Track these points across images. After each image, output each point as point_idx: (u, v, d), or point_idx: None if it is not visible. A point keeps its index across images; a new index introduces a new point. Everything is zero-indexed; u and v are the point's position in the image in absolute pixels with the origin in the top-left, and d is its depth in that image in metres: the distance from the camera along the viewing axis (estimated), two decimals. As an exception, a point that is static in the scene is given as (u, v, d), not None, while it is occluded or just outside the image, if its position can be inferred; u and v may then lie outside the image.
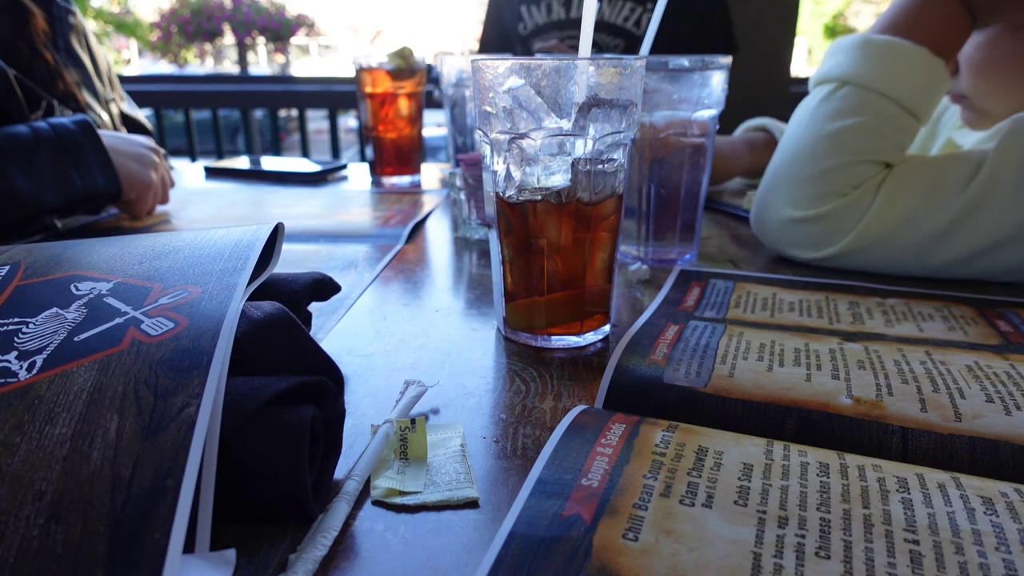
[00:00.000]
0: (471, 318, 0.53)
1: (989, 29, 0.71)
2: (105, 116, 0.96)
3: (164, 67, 12.44)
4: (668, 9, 0.56)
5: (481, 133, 0.46)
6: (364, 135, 1.06)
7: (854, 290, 0.57)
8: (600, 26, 1.33)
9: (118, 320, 0.30)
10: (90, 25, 1.00)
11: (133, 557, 0.21)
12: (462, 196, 0.75)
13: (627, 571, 0.25)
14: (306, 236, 0.76)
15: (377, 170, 1.05)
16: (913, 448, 0.34)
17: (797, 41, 2.17)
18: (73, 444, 0.24)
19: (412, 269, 0.66)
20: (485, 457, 0.34)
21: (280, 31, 11.75)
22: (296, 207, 0.91)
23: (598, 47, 1.35)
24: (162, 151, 0.89)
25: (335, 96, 2.45)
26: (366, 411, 0.39)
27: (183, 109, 2.61)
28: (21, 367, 0.27)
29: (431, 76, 1.10)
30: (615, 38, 1.34)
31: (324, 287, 0.44)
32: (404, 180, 1.05)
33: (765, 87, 1.99)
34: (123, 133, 0.94)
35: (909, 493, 0.29)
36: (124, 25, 12.28)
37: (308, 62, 17.91)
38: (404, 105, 1.01)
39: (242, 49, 12.13)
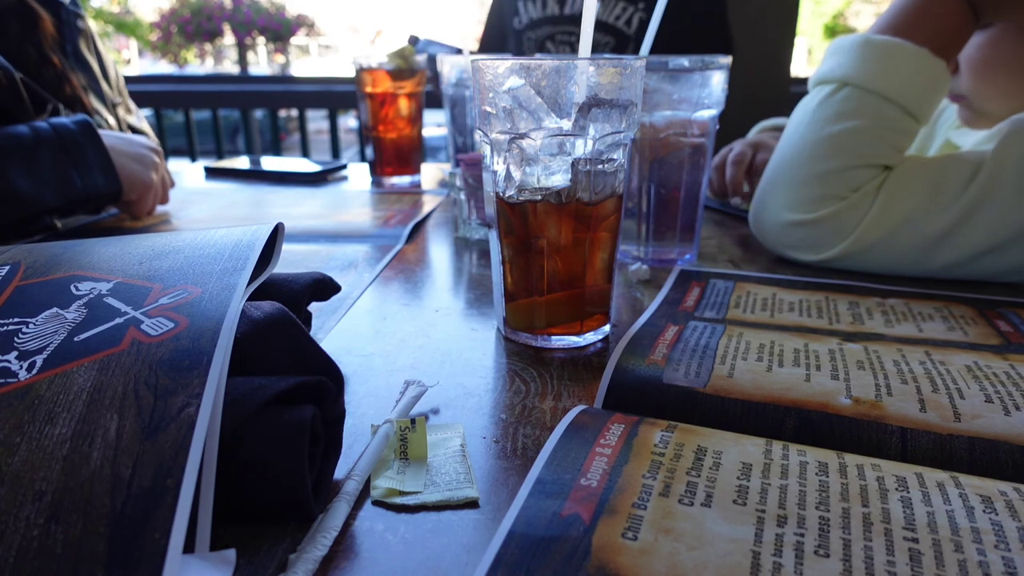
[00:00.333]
0: (471, 318, 0.53)
1: (990, 29, 0.71)
2: (112, 120, 0.96)
3: (164, 67, 12.44)
4: (667, 9, 0.56)
5: (481, 133, 0.46)
6: (364, 135, 1.06)
7: (854, 290, 0.57)
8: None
9: (118, 320, 0.30)
10: (91, 26, 1.00)
11: (133, 557, 0.21)
12: (462, 196, 0.75)
13: (626, 570, 0.25)
14: (306, 236, 0.76)
15: (377, 170, 1.05)
16: (912, 448, 0.34)
17: (797, 41, 2.17)
18: (73, 444, 0.24)
19: (412, 269, 0.66)
20: (485, 457, 0.34)
21: (280, 31, 11.75)
22: (296, 207, 0.91)
23: None
24: (161, 152, 0.89)
25: (335, 96, 2.45)
26: (366, 411, 0.39)
27: (183, 109, 2.61)
28: (21, 367, 0.27)
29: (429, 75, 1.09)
30: (605, 36, 1.35)
31: (324, 287, 0.44)
32: (404, 180, 1.05)
33: (765, 87, 1.99)
34: (124, 133, 0.94)
35: (908, 492, 0.29)
36: (124, 25, 12.28)
37: (308, 62, 17.91)
38: (404, 105, 1.01)
39: (242, 49, 12.14)
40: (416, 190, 1.02)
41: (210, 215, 0.86)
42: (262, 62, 14.67)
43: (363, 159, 2.17)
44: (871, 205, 0.61)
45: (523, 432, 0.37)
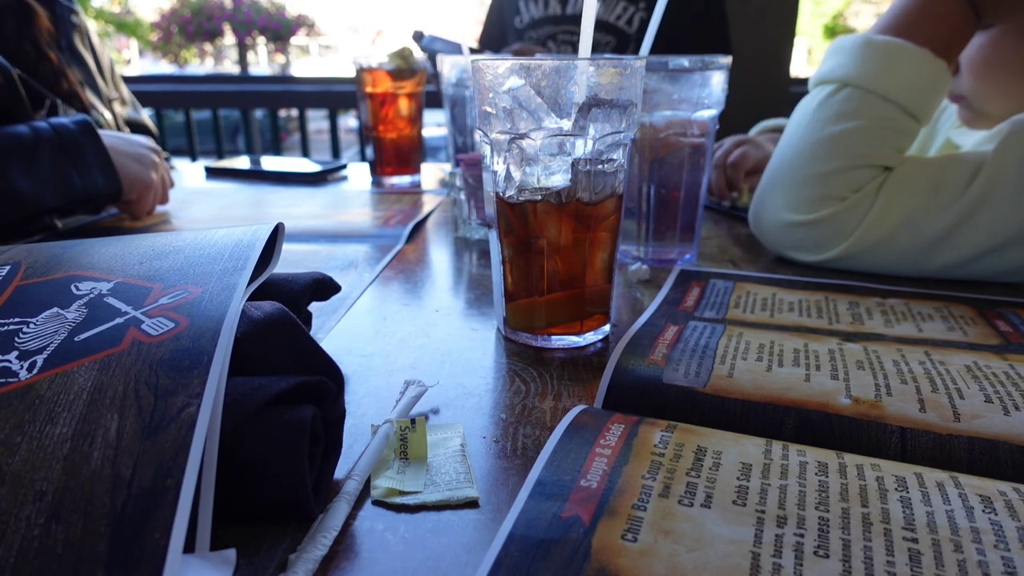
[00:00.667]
0: (471, 318, 0.54)
1: (991, 30, 0.71)
2: (108, 116, 0.96)
3: (164, 67, 12.44)
4: (667, 9, 0.56)
5: (481, 133, 0.46)
6: (364, 135, 1.06)
7: (854, 290, 0.57)
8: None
9: (118, 320, 0.30)
10: (91, 25, 1.00)
11: (133, 557, 0.21)
12: (462, 196, 0.75)
13: (626, 572, 0.25)
14: (306, 236, 0.76)
15: (377, 170, 1.05)
16: (912, 448, 0.34)
17: (797, 41, 2.17)
18: (73, 444, 0.24)
19: (412, 269, 0.66)
20: (485, 457, 0.35)
21: (280, 31, 11.75)
22: (296, 207, 0.91)
23: None
24: (164, 153, 0.89)
25: (335, 96, 2.45)
26: (366, 411, 0.39)
27: (183, 109, 2.61)
28: (22, 367, 0.27)
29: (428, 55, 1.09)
30: (607, 35, 1.35)
31: (324, 287, 0.44)
32: (404, 180, 1.05)
33: (765, 87, 1.99)
34: (124, 133, 0.94)
35: (908, 492, 0.29)
36: (125, 25, 12.28)
37: (308, 62, 17.92)
38: (404, 105, 1.01)
39: (242, 49, 12.13)
40: (416, 190, 1.02)
41: (210, 215, 0.87)
42: (262, 62, 14.67)
43: (363, 159, 2.17)
44: (871, 206, 0.61)
45: (523, 432, 0.37)
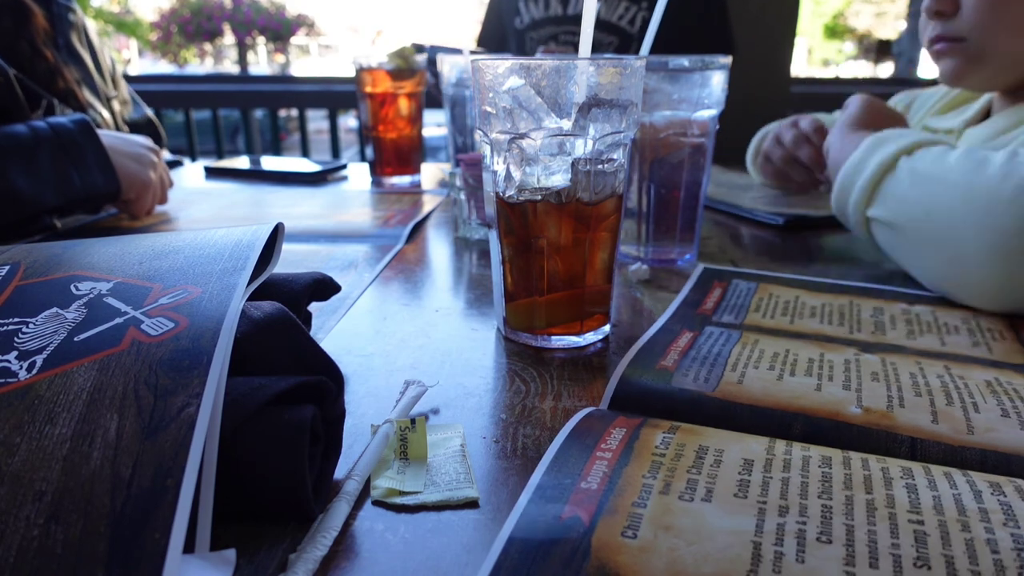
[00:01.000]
0: (471, 318, 0.53)
1: None
2: (106, 114, 0.96)
3: (164, 67, 12.44)
4: (667, 8, 0.56)
5: (481, 133, 0.46)
6: (364, 135, 1.06)
7: (880, 294, 0.56)
8: (595, 24, 1.33)
9: (118, 320, 0.30)
10: (90, 25, 1.00)
11: (133, 557, 0.21)
12: (462, 196, 0.75)
13: (625, 569, 0.25)
14: (306, 236, 0.76)
15: (377, 170, 1.05)
16: (922, 458, 0.33)
17: (797, 41, 2.17)
18: (73, 444, 0.24)
19: (412, 269, 0.66)
20: (485, 457, 0.34)
21: (280, 31, 11.75)
22: (296, 207, 0.91)
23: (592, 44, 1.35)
24: (163, 152, 0.89)
25: (335, 96, 2.45)
26: (366, 411, 0.39)
27: (183, 109, 2.60)
28: (21, 367, 0.27)
29: (430, 65, 1.09)
30: (609, 35, 1.35)
31: (324, 287, 0.44)
32: (404, 180, 1.05)
33: (765, 87, 1.99)
34: (122, 133, 0.94)
35: (913, 479, 0.28)
36: (124, 25, 12.28)
37: (308, 62, 17.91)
38: (404, 105, 1.01)
39: (242, 49, 12.13)
40: (416, 190, 1.02)
41: (210, 215, 0.86)
42: (262, 62, 14.67)
43: (363, 159, 2.17)
44: None
45: (523, 432, 0.37)
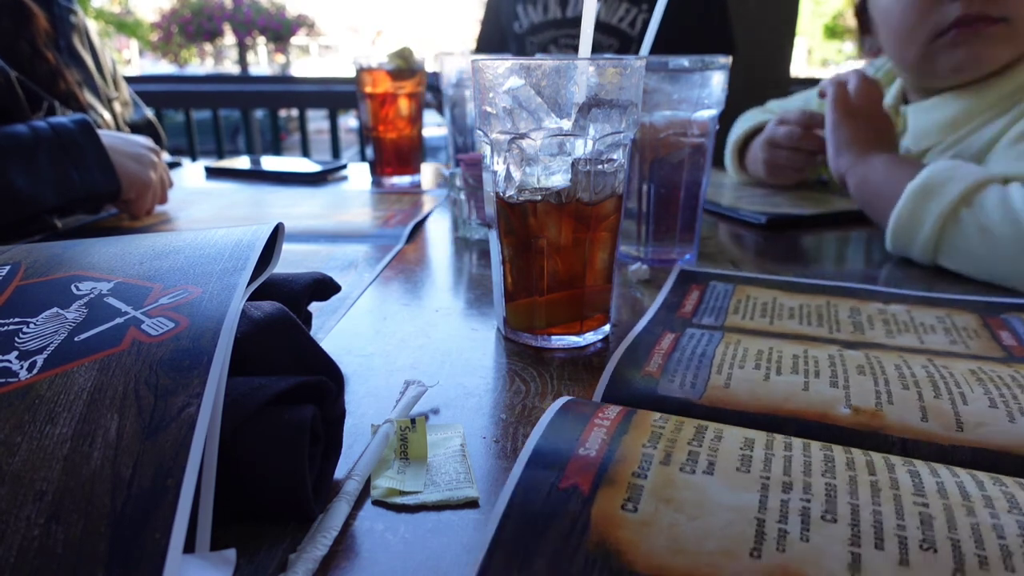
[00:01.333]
0: (471, 318, 0.53)
1: None
2: (107, 116, 0.96)
3: (164, 67, 12.44)
4: (667, 8, 0.56)
5: (481, 133, 0.46)
6: (364, 135, 1.06)
7: (856, 294, 0.56)
8: (595, 26, 1.33)
9: (118, 320, 0.30)
10: (92, 26, 1.00)
11: (133, 557, 0.21)
12: (462, 196, 0.75)
13: (626, 544, 0.24)
14: (306, 236, 0.76)
15: (377, 170, 1.05)
16: (914, 458, 0.33)
17: (797, 41, 2.16)
18: (73, 444, 0.24)
19: (412, 269, 0.66)
20: (485, 457, 0.35)
21: (280, 31, 11.75)
22: (296, 207, 0.91)
23: (592, 46, 1.35)
24: (164, 153, 0.89)
25: (335, 96, 2.45)
26: (366, 411, 0.39)
27: (183, 109, 2.61)
28: (22, 367, 0.27)
29: (429, 84, 1.09)
30: (609, 38, 1.35)
31: (324, 287, 0.44)
32: (404, 180, 1.05)
33: (765, 87, 1.99)
34: (122, 133, 0.94)
35: (915, 467, 0.28)
36: (125, 25, 12.28)
37: (308, 62, 17.91)
38: (404, 105, 1.01)
39: (242, 49, 12.13)
40: (416, 190, 1.02)
41: (210, 215, 0.86)
42: (262, 62, 14.67)
43: (363, 159, 2.17)
44: None
45: (523, 432, 0.37)
